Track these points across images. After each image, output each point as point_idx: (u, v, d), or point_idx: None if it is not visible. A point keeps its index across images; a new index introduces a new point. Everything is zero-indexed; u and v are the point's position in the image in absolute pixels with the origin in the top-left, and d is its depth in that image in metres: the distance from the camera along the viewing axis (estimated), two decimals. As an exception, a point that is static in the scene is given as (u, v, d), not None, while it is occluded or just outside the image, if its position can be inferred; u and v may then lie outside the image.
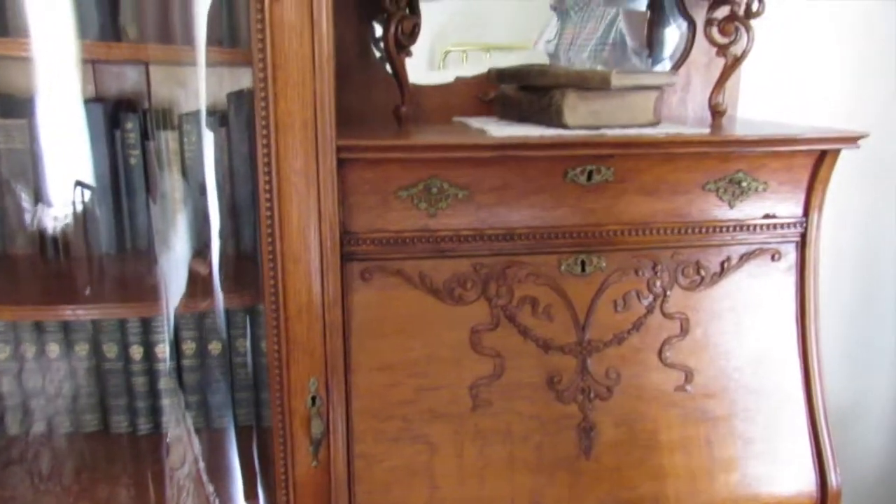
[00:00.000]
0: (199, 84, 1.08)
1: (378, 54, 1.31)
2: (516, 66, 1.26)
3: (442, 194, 1.06)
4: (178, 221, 1.21)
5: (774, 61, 1.54)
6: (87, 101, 1.18)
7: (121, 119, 1.19)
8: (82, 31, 1.04)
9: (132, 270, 1.20)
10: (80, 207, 1.20)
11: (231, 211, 1.21)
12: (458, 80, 1.39)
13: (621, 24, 1.47)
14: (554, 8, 1.47)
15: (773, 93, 1.55)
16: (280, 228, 0.98)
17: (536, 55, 1.46)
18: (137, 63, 1.24)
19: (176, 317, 1.16)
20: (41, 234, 1.21)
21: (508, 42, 1.48)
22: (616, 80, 1.07)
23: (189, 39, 1.03)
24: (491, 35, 1.48)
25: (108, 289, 1.14)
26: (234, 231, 1.22)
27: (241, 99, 1.19)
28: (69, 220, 1.21)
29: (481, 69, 1.39)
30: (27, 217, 1.21)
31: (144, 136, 1.21)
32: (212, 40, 1.04)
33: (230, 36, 1.12)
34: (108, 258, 1.21)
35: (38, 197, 1.21)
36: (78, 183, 1.20)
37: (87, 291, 1.11)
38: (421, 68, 1.37)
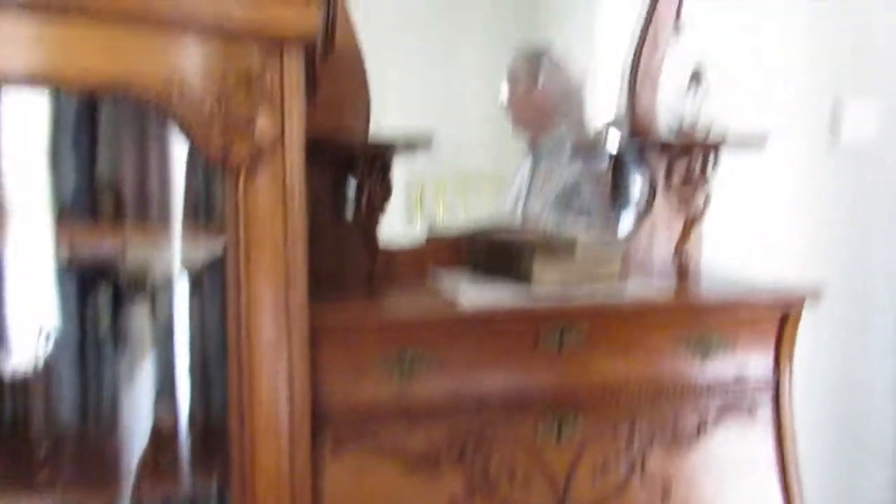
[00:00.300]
0: (173, 251, 1.09)
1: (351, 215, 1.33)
2: (488, 228, 1.30)
3: (415, 363, 1.05)
4: (147, 390, 1.18)
5: (733, 209, 1.60)
6: (59, 264, 1.17)
7: (93, 283, 1.18)
8: (57, 190, 1.05)
9: (95, 445, 1.15)
10: (45, 372, 1.17)
11: (202, 379, 1.18)
12: (433, 237, 1.42)
13: (588, 174, 1.53)
14: (528, 148, 1.55)
15: (735, 237, 1.60)
16: (250, 405, 0.96)
17: (511, 193, 1.53)
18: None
19: (140, 492, 1.11)
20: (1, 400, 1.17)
21: (485, 173, 1.55)
22: (581, 248, 1.10)
23: (164, 210, 1.05)
24: (467, 168, 1.54)
25: (68, 467, 1.09)
26: (204, 401, 1.18)
27: (216, 266, 1.20)
28: (34, 384, 1.17)
29: (455, 218, 1.44)
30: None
31: (117, 300, 1.20)
32: (188, 208, 1.06)
33: (206, 202, 1.13)
34: (70, 428, 1.17)
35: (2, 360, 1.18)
36: (45, 346, 1.17)
37: (45, 471, 1.06)
38: (398, 205, 1.41)
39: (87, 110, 1.06)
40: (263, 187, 0.95)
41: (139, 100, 0.84)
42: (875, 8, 1.67)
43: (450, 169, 1.52)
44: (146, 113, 0.98)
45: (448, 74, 1.54)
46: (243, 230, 0.95)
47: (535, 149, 1.55)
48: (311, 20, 0.89)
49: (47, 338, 1.17)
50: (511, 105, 1.54)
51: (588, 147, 1.54)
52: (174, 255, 1.07)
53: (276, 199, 0.95)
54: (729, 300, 1.19)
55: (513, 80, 1.53)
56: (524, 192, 1.55)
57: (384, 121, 1.35)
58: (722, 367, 1.16)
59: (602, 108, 1.54)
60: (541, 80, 1.53)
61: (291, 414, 0.98)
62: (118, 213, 1.11)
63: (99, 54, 0.80)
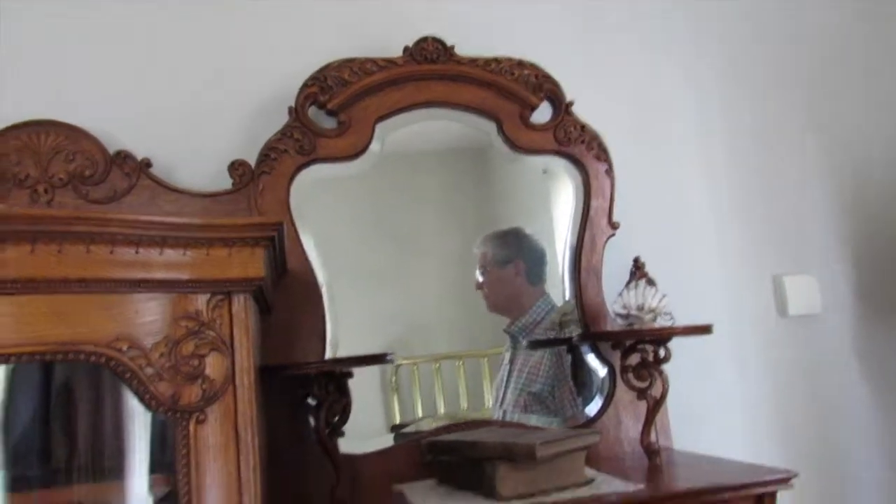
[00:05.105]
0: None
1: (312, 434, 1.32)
2: (448, 439, 1.29)
3: None
4: None
5: (695, 385, 1.61)
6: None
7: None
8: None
9: None
10: None
11: None
12: (400, 441, 1.41)
13: (553, 363, 1.53)
14: (507, 332, 1.54)
15: (700, 412, 1.60)
16: None
17: (497, 381, 1.52)
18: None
19: None
20: None
21: (458, 351, 1.53)
22: (541, 452, 1.09)
23: (119, 460, 1.03)
24: (440, 346, 1.53)
25: None
26: None
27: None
28: None
29: (430, 402, 1.44)
30: None
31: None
32: (142, 455, 1.04)
33: (160, 447, 1.12)
34: None
35: None
36: None
37: None
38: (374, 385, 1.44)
39: (39, 369, 1.06)
40: (215, 428, 0.94)
41: (88, 360, 0.86)
42: (795, 188, 1.80)
43: (423, 351, 1.51)
44: (96, 369, 0.98)
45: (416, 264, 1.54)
46: (195, 471, 0.93)
47: (512, 332, 1.54)
48: (257, 265, 0.94)
49: None
50: (485, 287, 1.52)
51: (556, 331, 1.54)
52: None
53: (229, 437, 0.95)
54: (704, 489, 1.17)
55: (484, 261, 1.53)
56: (504, 380, 1.54)
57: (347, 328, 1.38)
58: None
59: (561, 293, 1.57)
60: (512, 257, 1.55)
61: None
62: (71, 469, 1.09)
63: (47, 322, 0.83)
